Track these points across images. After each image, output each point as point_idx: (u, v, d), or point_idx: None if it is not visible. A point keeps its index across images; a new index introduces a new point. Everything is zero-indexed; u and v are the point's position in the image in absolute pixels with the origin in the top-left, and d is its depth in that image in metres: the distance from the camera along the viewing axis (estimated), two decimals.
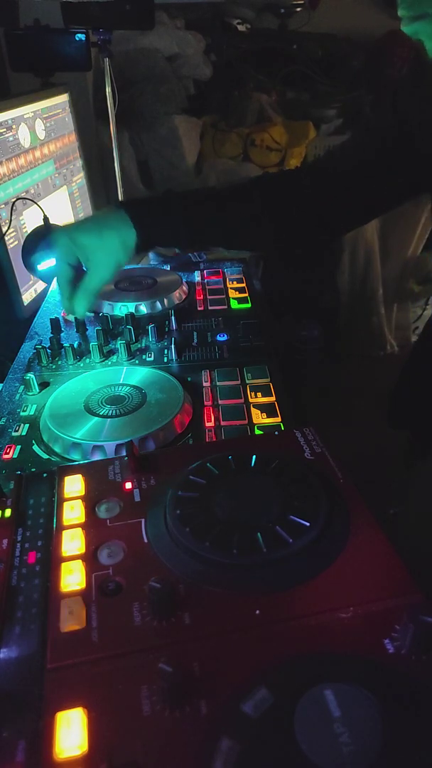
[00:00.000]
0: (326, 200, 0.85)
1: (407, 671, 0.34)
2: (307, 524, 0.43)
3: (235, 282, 1.05)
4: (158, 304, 0.96)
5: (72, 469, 0.54)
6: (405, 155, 0.79)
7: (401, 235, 2.18)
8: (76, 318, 0.89)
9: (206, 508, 0.45)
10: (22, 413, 0.71)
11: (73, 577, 0.42)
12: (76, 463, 0.61)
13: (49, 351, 0.83)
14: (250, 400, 0.71)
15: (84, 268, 0.80)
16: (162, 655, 0.35)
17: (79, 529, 0.46)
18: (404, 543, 0.45)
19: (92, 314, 0.96)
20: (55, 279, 0.93)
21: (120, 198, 1.63)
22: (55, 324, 0.89)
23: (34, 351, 0.84)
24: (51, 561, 0.44)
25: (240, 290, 1.02)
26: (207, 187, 0.89)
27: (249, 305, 0.97)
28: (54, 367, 0.82)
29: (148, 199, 0.86)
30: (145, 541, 0.45)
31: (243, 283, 1.04)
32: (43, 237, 0.97)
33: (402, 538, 0.46)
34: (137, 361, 0.82)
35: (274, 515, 0.44)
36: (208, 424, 0.67)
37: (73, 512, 0.48)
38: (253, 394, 0.72)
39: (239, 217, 0.86)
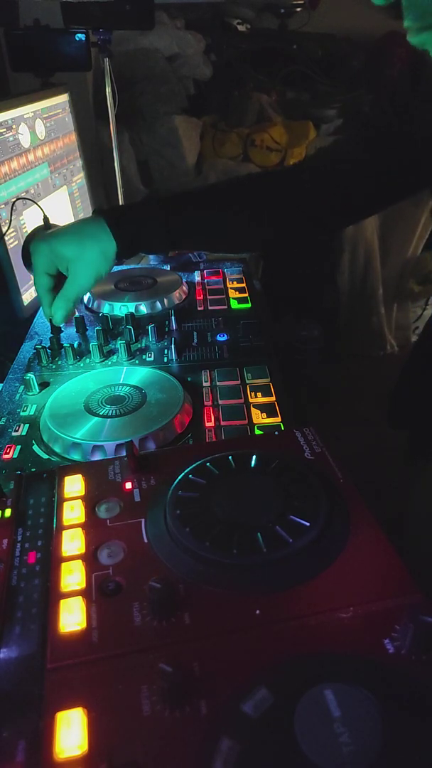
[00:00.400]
0: (325, 197, 0.85)
1: (407, 671, 0.34)
2: (307, 524, 0.43)
3: (235, 282, 1.05)
4: (158, 304, 0.96)
5: (72, 469, 0.54)
6: (402, 153, 0.79)
7: (401, 235, 2.18)
8: (75, 318, 0.89)
9: (206, 508, 0.45)
10: (22, 413, 0.71)
11: (73, 577, 0.42)
12: (76, 463, 0.61)
13: (49, 351, 0.83)
14: (250, 400, 0.71)
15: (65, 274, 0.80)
16: (162, 655, 0.35)
17: (79, 529, 0.46)
18: (405, 543, 0.45)
19: (94, 313, 0.96)
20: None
21: (120, 198, 1.63)
22: (55, 324, 0.89)
23: (34, 351, 0.84)
24: (51, 561, 0.44)
25: (240, 290, 1.02)
26: (191, 189, 0.89)
27: (249, 305, 0.97)
28: (54, 367, 0.82)
29: (128, 206, 0.85)
30: (145, 541, 0.45)
31: (243, 283, 1.04)
32: None
33: (402, 537, 0.46)
34: (137, 361, 0.82)
35: (274, 515, 0.44)
36: (208, 424, 0.67)
37: (73, 512, 0.48)
38: (253, 394, 0.72)
39: (232, 218, 0.86)
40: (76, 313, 0.90)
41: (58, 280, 0.81)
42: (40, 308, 1.00)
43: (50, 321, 0.86)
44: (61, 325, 0.88)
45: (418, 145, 0.77)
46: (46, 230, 0.97)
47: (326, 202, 0.85)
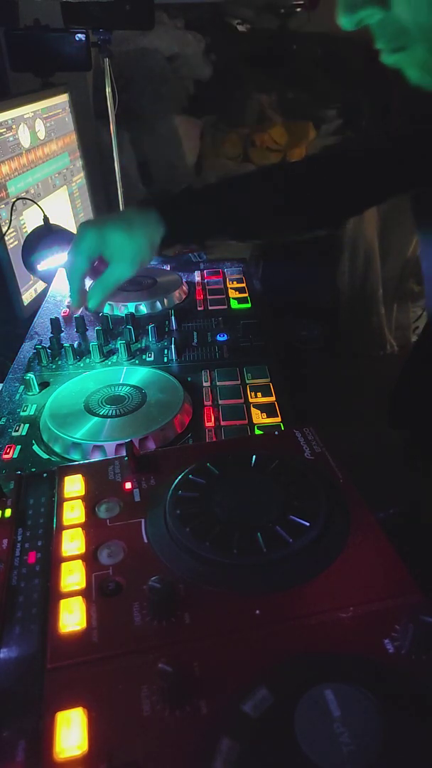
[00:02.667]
0: (329, 190, 0.86)
1: (407, 671, 0.34)
2: (307, 524, 0.43)
3: (235, 282, 1.05)
4: (158, 304, 0.96)
5: (72, 469, 0.54)
6: (405, 154, 0.80)
7: (401, 235, 2.18)
8: (75, 317, 0.89)
9: (206, 508, 0.45)
10: (22, 413, 0.71)
11: (73, 577, 0.42)
12: (76, 463, 0.61)
13: (49, 351, 0.83)
14: (250, 400, 0.71)
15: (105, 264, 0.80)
16: (162, 655, 0.35)
17: (79, 529, 0.46)
18: (404, 543, 0.45)
19: (94, 313, 0.96)
20: (64, 271, 0.92)
21: (120, 198, 1.63)
22: (55, 324, 0.89)
23: (34, 351, 0.84)
24: (51, 561, 0.44)
25: (240, 290, 1.02)
26: (225, 179, 0.90)
27: (249, 305, 0.97)
28: (54, 367, 0.82)
29: (174, 196, 0.86)
30: (145, 541, 0.45)
31: (243, 283, 1.04)
32: (43, 237, 0.97)
33: (402, 538, 0.46)
34: (137, 361, 0.82)
35: (274, 515, 0.44)
36: (208, 424, 0.67)
37: (73, 512, 0.48)
38: (253, 394, 0.72)
39: (261, 205, 0.87)
40: (76, 314, 0.90)
41: (95, 267, 0.81)
42: (41, 308, 1.00)
43: (65, 314, 0.85)
44: (61, 326, 0.88)
45: (417, 148, 0.78)
46: (46, 230, 0.97)
47: (344, 192, 0.86)
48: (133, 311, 0.93)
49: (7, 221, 1.03)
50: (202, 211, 0.82)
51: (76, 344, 0.85)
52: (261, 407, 0.69)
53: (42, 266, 0.98)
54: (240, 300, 0.98)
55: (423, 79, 0.61)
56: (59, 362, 0.83)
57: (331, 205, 0.89)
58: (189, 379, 0.76)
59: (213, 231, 0.86)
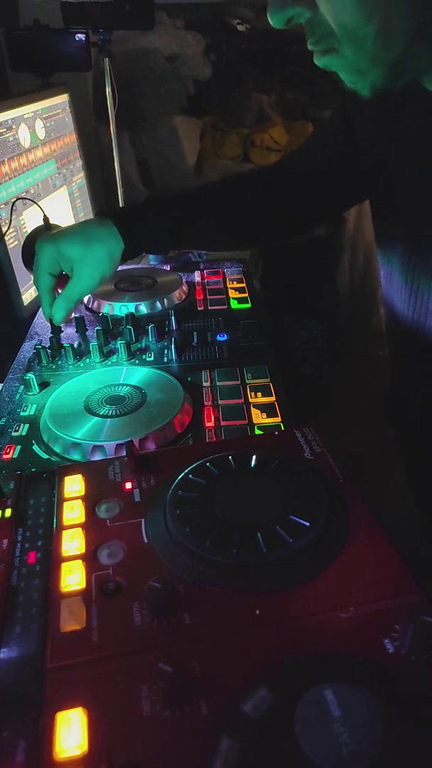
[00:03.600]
0: (294, 198, 0.88)
1: (407, 671, 0.34)
2: (307, 524, 0.43)
3: (235, 282, 1.05)
4: (158, 304, 0.96)
5: (72, 469, 0.54)
6: (347, 164, 0.82)
7: None
8: (75, 318, 0.89)
9: (206, 508, 0.45)
10: (22, 413, 0.71)
11: (73, 577, 0.42)
12: (76, 463, 0.61)
13: (49, 351, 0.83)
14: (250, 400, 0.71)
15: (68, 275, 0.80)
16: (162, 655, 0.35)
17: (79, 529, 0.46)
18: (404, 543, 0.45)
19: (94, 313, 0.96)
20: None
21: (120, 198, 1.63)
22: (54, 324, 0.89)
23: (34, 351, 0.84)
24: (51, 561, 0.44)
25: (240, 290, 1.02)
26: (188, 188, 0.91)
27: (249, 305, 0.97)
28: (54, 367, 0.82)
29: (132, 207, 0.87)
30: (145, 541, 0.45)
31: (243, 283, 1.04)
32: None
33: (402, 538, 0.46)
34: (137, 361, 0.82)
35: (274, 515, 0.44)
36: (208, 424, 0.67)
37: (73, 512, 0.48)
38: (253, 394, 0.72)
39: (221, 216, 0.88)
40: (76, 314, 0.90)
41: (60, 280, 0.81)
42: (40, 308, 1.00)
43: (50, 321, 0.86)
44: (61, 325, 0.89)
45: (360, 160, 0.79)
46: (46, 230, 0.97)
47: (294, 203, 0.88)
48: (133, 311, 0.93)
49: (7, 221, 1.02)
50: (157, 223, 0.82)
51: (76, 344, 0.85)
52: (261, 407, 0.69)
53: None
54: (240, 300, 0.98)
55: (355, 83, 0.60)
56: (59, 362, 0.83)
57: (279, 220, 0.91)
58: (189, 379, 0.76)
59: (170, 243, 0.86)
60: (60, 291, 0.82)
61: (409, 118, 0.73)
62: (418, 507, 0.91)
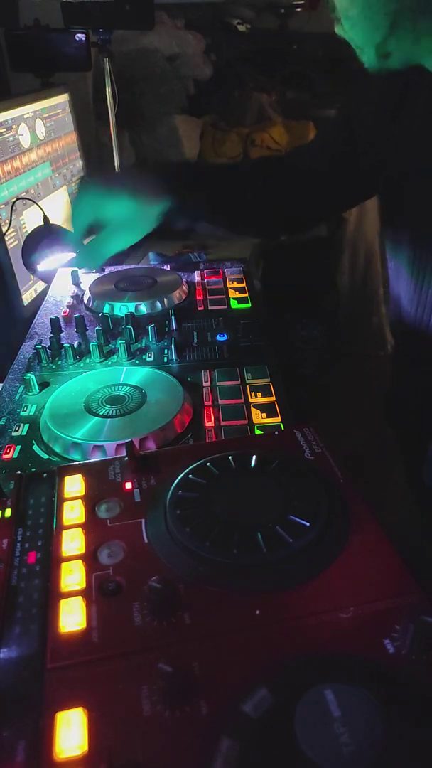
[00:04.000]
0: (296, 195, 0.88)
1: (407, 671, 0.34)
2: (307, 524, 0.43)
3: (235, 282, 1.05)
4: (158, 304, 0.96)
5: (72, 469, 0.54)
6: (350, 164, 0.82)
7: None
8: (75, 318, 0.89)
9: (206, 508, 0.45)
10: (22, 413, 0.71)
11: (73, 577, 0.42)
12: (76, 463, 0.61)
13: (49, 351, 0.83)
14: (250, 400, 0.71)
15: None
16: (162, 655, 0.35)
17: (79, 529, 0.46)
18: (404, 543, 0.45)
19: (94, 313, 0.96)
20: (63, 271, 0.92)
21: None
22: (55, 324, 0.89)
23: (34, 351, 0.84)
24: (51, 561, 0.44)
25: (240, 290, 1.02)
26: (223, 165, 0.92)
27: (249, 305, 0.97)
28: (54, 367, 0.82)
29: (176, 168, 0.86)
30: (145, 541, 0.45)
31: (243, 283, 1.04)
32: (43, 237, 0.97)
33: (402, 537, 0.46)
34: (137, 361, 0.81)
35: (274, 515, 0.44)
36: (208, 424, 0.67)
37: (73, 512, 0.48)
38: (253, 394, 0.72)
39: (245, 197, 0.88)
40: (76, 314, 0.90)
41: (92, 229, 0.81)
42: (41, 308, 1.00)
43: (65, 314, 0.85)
44: (61, 326, 0.88)
45: (360, 160, 0.80)
46: (46, 230, 0.97)
47: (295, 202, 0.89)
48: (133, 311, 0.93)
49: (7, 221, 1.03)
50: (203, 189, 0.83)
51: (76, 344, 0.85)
52: (261, 407, 0.69)
53: (42, 266, 0.98)
54: (240, 300, 0.98)
55: (359, 56, 0.63)
56: (59, 362, 0.83)
57: (275, 217, 0.91)
58: (189, 379, 0.76)
59: (203, 213, 0.86)
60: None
61: (408, 118, 0.73)
62: (418, 507, 0.91)
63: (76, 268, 0.82)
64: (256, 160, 0.97)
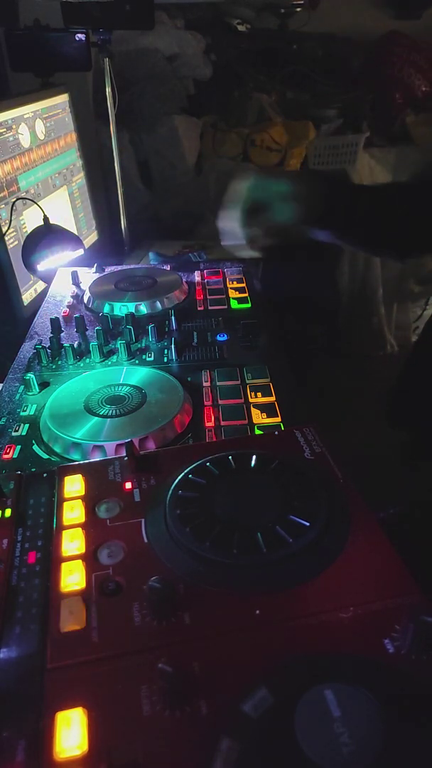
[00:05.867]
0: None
1: (407, 671, 0.34)
2: (307, 524, 0.43)
3: (235, 282, 1.05)
4: (158, 304, 0.96)
5: (72, 469, 0.54)
6: None
7: None
8: (75, 318, 0.89)
9: (206, 508, 0.45)
10: (22, 413, 0.71)
11: (73, 577, 0.42)
12: (76, 463, 0.61)
13: (49, 351, 0.83)
14: (250, 400, 0.71)
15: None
16: (162, 655, 0.35)
17: (79, 529, 0.46)
18: (404, 543, 0.45)
19: (94, 313, 0.95)
20: (62, 271, 0.92)
21: (120, 198, 1.63)
22: (55, 324, 0.89)
23: (34, 351, 0.84)
24: (51, 561, 0.44)
25: (240, 290, 1.02)
26: (389, 183, 0.92)
27: (249, 305, 0.97)
28: (54, 367, 0.82)
29: (338, 180, 0.87)
30: (145, 541, 0.45)
31: (243, 283, 1.04)
32: (43, 237, 0.97)
33: (402, 538, 0.46)
34: (137, 361, 0.82)
35: (274, 515, 0.44)
36: (208, 424, 0.67)
37: (73, 512, 0.48)
38: (253, 394, 0.72)
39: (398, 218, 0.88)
40: (76, 314, 0.90)
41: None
42: (41, 308, 1.00)
43: (65, 314, 0.85)
44: (61, 326, 0.88)
45: None
46: (46, 230, 0.97)
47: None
48: (133, 311, 0.93)
49: (7, 221, 1.03)
50: (357, 203, 0.83)
51: (76, 344, 0.85)
52: (261, 407, 0.69)
53: (42, 266, 0.98)
54: (240, 300, 0.98)
55: None
56: (59, 362, 0.83)
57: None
58: (189, 379, 0.76)
59: (360, 228, 0.86)
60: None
61: None
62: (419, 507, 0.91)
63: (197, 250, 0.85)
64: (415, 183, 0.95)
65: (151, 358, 0.82)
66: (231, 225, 0.84)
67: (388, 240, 0.92)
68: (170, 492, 0.47)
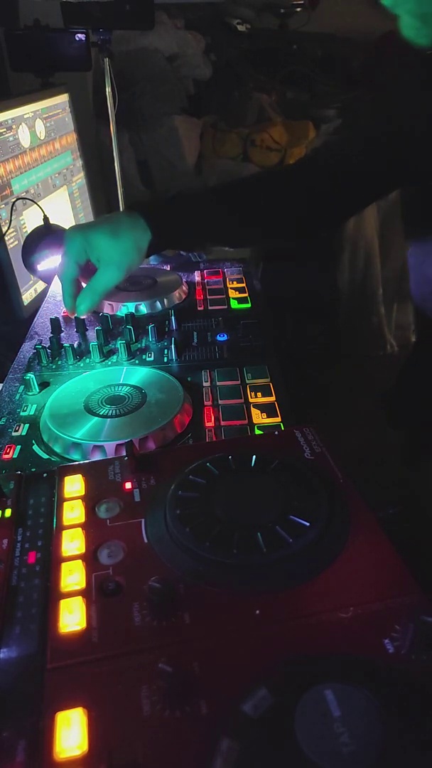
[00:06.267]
0: (324, 191, 0.88)
1: (407, 671, 0.34)
2: (307, 524, 0.43)
3: (235, 282, 1.05)
4: (158, 304, 0.96)
5: (72, 469, 0.54)
6: (389, 152, 0.81)
7: (401, 235, 2.18)
8: (76, 318, 0.89)
9: (206, 508, 0.45)
10: (22, 413, 0.71)
11: (73, 577, 0.42)
12: (76, 463, 0.61)
13: (49, 351, 0.83)
14: (250, 400, 0.71)
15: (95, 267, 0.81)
16: (162, 655, 0.35)
17: (79, 529, 0.46)
18: (404, 543, 0.45)
19: (94, 313, 0.96)
20: (57, 276, 0.93)
21: (120, 198, 1.63)
22: (55, 324, 0.89)
23: (34, 351, 0.84)
24: (51, 561, 0.44)
25: (240, 290, 1.02)
26: (217, 185, 0.92)
27: (249, 305, 0.97)
28: (54, 367, 0.82)
29: (161, 201, 0.88)
30: (145, 541, 0.45)
31: (243, 283, 1.04)
32: (43, 237, 0.97)
33: (402, 538, 0.46)
34: (137, 361, 0.82)
35: (274, 515, 0.44)
36: (208, 424, 0.67)
37: (73, 512, 0.48)
38: (253, 394, 0.72)
39: (248, 214, 0.88)
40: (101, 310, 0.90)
41: (84, 271, 0.82)
42: (41, 308, 1.00)
43: (70, 314, 0.86)
44: (61, 326, 0.89)
45: (402, 145, 0.79)
46: (46, 230, 0.97)
47: (320, 199, 0.88)
48: (133, 311, 0.93)
49: (7, 221, 1.02)
50: (186, 219, 0.83)
51: (76, 344, 0.85)
52: (261, 407, 0.69)
53: (42, 266, 0.98)
54: (240, 300, 0.98)
55: (417, 30, 0.60)
56: (59, 362, 0.83)
57: (309, 215, 0.90)
58: (189, 379, 0.76)
59: (198, 238, 0.87)
60: (83, 284, 0.83)
61: None
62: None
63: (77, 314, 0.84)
64: (258, 176, 0.96)
65: (151, 358, 0.82)
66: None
67: (249, 235, 0.92)
68: (170, 492, 0.47)
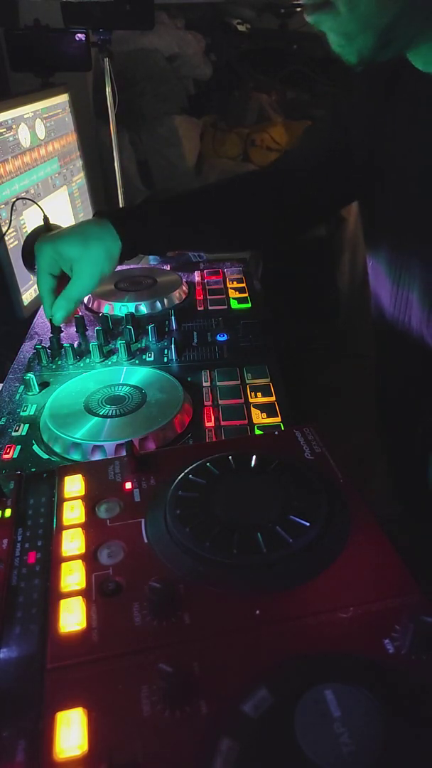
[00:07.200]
0: (284, 202, 0.88)
1: (407, 671, 0.34)
2: (307, 524, 0.43)
3: (235, 282, 1.05)
4: (158, 304, 0.96)
5: (72, 469, 0.54)
6: (341, 162, 0.81)
7: None
8: (75, 318, 0.89)
9: (206, 508, 0.45)
10: (22, 413, 0.71)
11: (73, 577, 0.42)
12: (76, 463, 0.61)
13: (49, 351, 0.83)
14: (250, 400, 0.71)
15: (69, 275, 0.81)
16: (162, 655, 0.35)
17: (79, 529, 0.46)
18: (404, 543, 0.45)
19: (94, 313, 0.96)
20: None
21: (120, 198, 1.63)
22: (55, 324, 0.89)
23: (34, 351, 0.84)
24: (51, 561, 0.44)
25: (240, 290, 1.02)
26: (185, 191, 0.92)
27: (249, 305, 0.97)
28: (54, 367, 0.82)
29: (130, 207, 0.88)
30: (145, 541, 0.45)
31: (243, 283, 1.04)
32: None
33: (402, 538, 0.46)
34: (137, 361, 0.82)
35: (274, 515, 0.44)
36: (208, 424, 0.67)
37: (73, 512, 0.48)
38: (253, 394, 0.72)
39: (217, 219, 0.88)
40: (78, 313, 0.90)
41: (61, 280, 0.81)
42: (41, 308, 1.00)
43: (50, 321, 0.86)
44: (61, 326, 0.89)
45: (352, 155, 0.79)
46: (46, 230, 0.97)
47: (285, 207, 0.88)
48: (133, 311, 0.93)
49: (7, 221, 1.02)
50: (154, 226, 0.82)
51: (76, 344, 0.85)
52: (261, 407, 0.69)
53: None
54: (240, 300, 0.98)
55: (343, 47, 0.59)
56: (59, 362, 0.83)
57: (276, 222, 0.91)
58: (189, 379, 0.76)
59: (169, 245, 0.87)
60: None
61: (390, 113, 0.72)
62: (405, 508, 0.91)
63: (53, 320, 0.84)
64: (234, 177, 0.97)
65: (151, 358, 0.82)
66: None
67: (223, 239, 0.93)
68: (170, 492, 0.47)
